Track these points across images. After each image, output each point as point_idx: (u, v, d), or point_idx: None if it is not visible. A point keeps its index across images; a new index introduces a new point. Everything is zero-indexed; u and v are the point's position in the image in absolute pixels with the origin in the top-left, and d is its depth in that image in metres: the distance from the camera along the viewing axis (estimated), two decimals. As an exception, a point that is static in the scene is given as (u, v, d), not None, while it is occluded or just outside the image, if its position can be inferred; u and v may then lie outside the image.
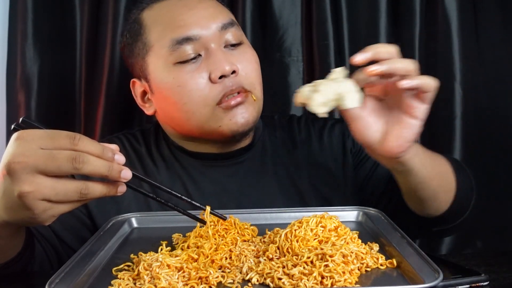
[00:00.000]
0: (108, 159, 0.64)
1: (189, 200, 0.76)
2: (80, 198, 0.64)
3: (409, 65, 0.72)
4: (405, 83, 0.71)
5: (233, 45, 0.96)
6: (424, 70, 1.30)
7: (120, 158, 0.66)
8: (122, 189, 0.68)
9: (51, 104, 1.34)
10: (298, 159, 1.05)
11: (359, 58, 0.72)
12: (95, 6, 1.33)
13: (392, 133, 0.76)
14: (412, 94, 0.73)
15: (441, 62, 1.32)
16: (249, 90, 0.95)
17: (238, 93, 0.93)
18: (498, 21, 1.31)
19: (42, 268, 0.92)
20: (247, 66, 0.96)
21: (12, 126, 0.68)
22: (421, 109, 0.74)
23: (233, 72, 0.92)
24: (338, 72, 0.76)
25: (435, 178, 0.86)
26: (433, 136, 1.35)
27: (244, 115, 0.94)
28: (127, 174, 0.66)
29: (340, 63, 1.32)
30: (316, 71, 1.33)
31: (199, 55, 0.93)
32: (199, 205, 0.77)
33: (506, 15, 1.30)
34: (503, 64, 1.31)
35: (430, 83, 0.72)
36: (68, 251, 0.95)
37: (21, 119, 0.68)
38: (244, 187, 1.01)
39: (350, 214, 0.90)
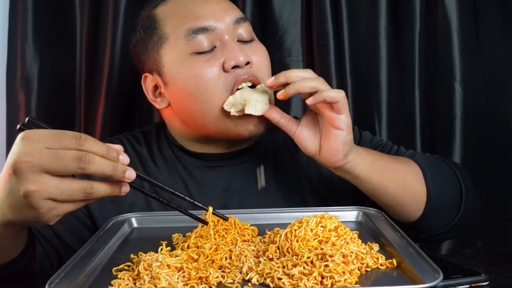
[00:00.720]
0: (113, 159, 0.65)
1: (192, 200, 0.76)
2: (84, 197, 0.64)
3: (314, 82, 0.81)
4: (308, 100, 0.81)
5: (245, 41, 0.97)
6: (424, 70, 1.32)
7: (125, 158, 0.67)
8: (126, 189, 0.68)
9: (51, 104, 1.34)
10: (298, 162, 1.05)
11: (269, 81, 0.85)
12: (95, 6, 1.32)
13: (324, 144, 0.85)
14: (328, 107, 0.82)
15: (441, 62, 1.32)
16: (260, 79, 0.94)
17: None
18: (498, 21, 1.31)
19: (43, 268, 0.92)
20: (260, 60, 0.96)
21: (18, 126, 0.68)
22: (340, 119, 0.82)
23: (247, 63, 0.93)
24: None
25: (392, 185, 0.90)
26: (433, 136, 1.35)
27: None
28: (131, 174, 0.67)
29: (340, 63, 1.32)
30: (316, 71, 1.32)
31: (215, 47, 0.93)
32: (201, 205, 0.77)
33: (506, 15, 1.30)
34: (503, 64, 1.31)
35: (332, 95, 0.80)
36: (68, 251, 0.95)
37: (27, 119, 0.68)
38: (246, 188, 1.01)
39: (350, 214, 0.91)
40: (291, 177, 1.04)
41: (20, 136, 0.64)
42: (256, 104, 0.88)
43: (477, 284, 0.68)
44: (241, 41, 0.96)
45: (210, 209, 0.78)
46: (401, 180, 0.91)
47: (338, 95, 0.80)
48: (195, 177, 1.02)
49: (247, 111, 0.87)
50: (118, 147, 0.68)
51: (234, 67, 0.91)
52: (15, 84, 1.31)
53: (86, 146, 0.63)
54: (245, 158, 1.03)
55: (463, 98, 1.31)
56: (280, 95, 0.84)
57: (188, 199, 0.76)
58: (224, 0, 1.00)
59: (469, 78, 1.30)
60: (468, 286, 0.67)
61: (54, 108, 1.35)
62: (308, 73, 0.84)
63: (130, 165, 0.67)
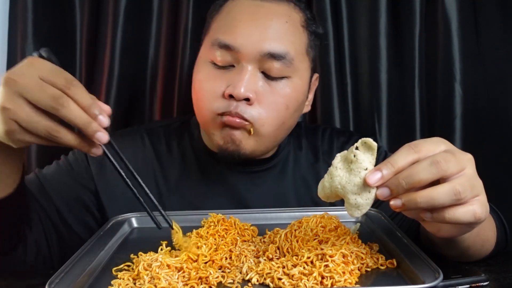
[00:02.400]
0: (91, 115, 0.65)
1: (159, 206, 0.74)
2: (47, 136, 0.65)
3: (451, 194, 0.59)
4: (426, 217, 0.61)
5: (273, 77, 0.91)
6: (424, 70, 1.31)
7: (104, 119, 0.66)
8: (97, 151, 0.68)
9: (51, 104, 1.34)
10: (318, 174, 1.03)
11: (372, 180, 0.61)
12: (95, 6, 1.32)
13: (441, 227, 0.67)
14: None
15: (441, 62, 1.32)
16: (252, 122, 0.89)
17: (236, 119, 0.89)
18: (498, 21, 1.30)
19: (39, 250, 0.91)
20: (269, 104, 0.90)
21: (35, 53, 0.70)
22: (464, 212, 0.61)
23: (247, 99, 0.88)
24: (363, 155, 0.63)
25: (476, 245, 0.79)
26: (433, 136, 1.34)
27: (234, 136, 0.90)
28: (102, 137, 0.66)
29: (340, 63, 1.32)
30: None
31: (233, 66, 0.91)
32: (163, 212, 0.75)
33: (506, 15, 1.30)
34: (503, 64, 1.30)
35: (463, 218, 0.60)
36: (70, 234, 0.95)
37: (43, 49, 0.70)
38: (259, 199, 0.99)
39: (350, 214, 0.90)
40: (309, 190, 1.02)
41: (28, 59, 0.67)
42: (357, 201, 0.64)
43: (477, 284, 0.68)
44: (266, 74, 0.90)
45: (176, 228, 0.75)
46: (485, 238, 0.82)
47: (447, 198, 0.59)
48: (210, 181, 1.00)
49: (352, 215, 0.65)
50: (107, 108, 0.68)
51: (232, 96, 0.88)
52: (15, 84, 1.31)
53: (72, 91, 0.64)
54: (263, 167, 1.01)
55: (463, 98, 1.30)
56: (396, 208, 0.61)
57: (154, 199, 0.73)
58: (278, 26, 0.91)
59: (469, 78, 1.30)
60: (468, 286, 0.67)
61: (54, 108, 1.35)
62: (442, 159, 0.62)
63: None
